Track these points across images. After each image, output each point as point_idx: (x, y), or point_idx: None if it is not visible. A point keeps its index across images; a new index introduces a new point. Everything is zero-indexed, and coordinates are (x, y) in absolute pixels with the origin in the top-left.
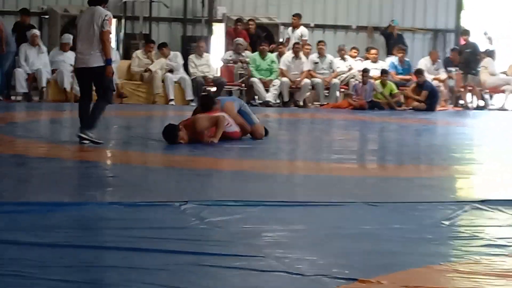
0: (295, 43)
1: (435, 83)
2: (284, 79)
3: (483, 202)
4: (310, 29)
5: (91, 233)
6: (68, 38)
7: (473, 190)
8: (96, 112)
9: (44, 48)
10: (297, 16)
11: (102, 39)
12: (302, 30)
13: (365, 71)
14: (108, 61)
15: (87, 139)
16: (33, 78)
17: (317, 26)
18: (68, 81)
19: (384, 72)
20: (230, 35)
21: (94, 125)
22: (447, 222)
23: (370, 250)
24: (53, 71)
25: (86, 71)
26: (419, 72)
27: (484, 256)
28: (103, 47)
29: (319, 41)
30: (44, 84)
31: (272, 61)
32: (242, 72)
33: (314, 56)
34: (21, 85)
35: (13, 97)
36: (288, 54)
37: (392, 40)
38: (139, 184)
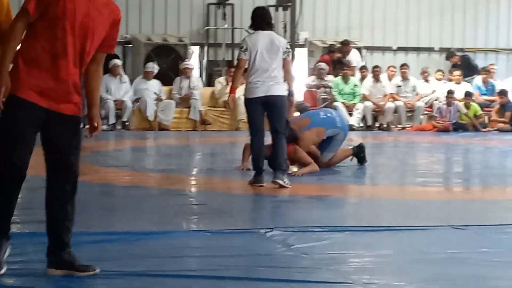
0: (374, 67)
1: None
2: (367, 103)
3: None
4: (392, 52)
5: (178, 262)
6: (152, 66)
7: None
8: (285, 153)
9: (126, 78)
10: (343, 42)
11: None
12: (351, 55)
13: (450, 93)
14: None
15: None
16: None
17: (400, 48)
18: (152, 110)
19: (468, 94)
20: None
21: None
22: None
23: (458, 275)
24: (136, 100)
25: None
26: (502, 93)
27: None
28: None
29: (402, 65)
30: (126, 118)
31: (355, 85)
32: (325, 96)
33: (397, 79)
34: (112, 117)
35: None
36: (368, 79)
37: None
38: (224, 211)
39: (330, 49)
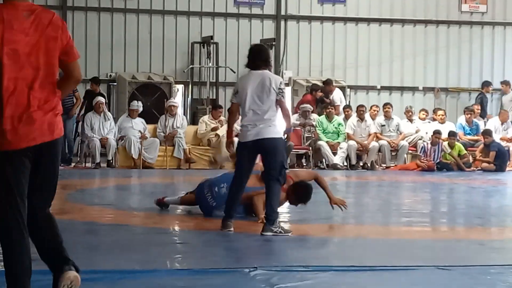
0: (359, 106)
1: (503, 143)
2: (351, 142)
3: None
4: (376, 91)
5: None
6: (136, 104)
7: None
8: (275, 200)
9: (110, 115)
10: (326, 83)
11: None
12: (335, 94)
13: (437, 132)
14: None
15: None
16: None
17: (384, 88)
18: (137, 148)
19: (452, 133)
20: (308, 102)
21: (276, 216)
22: None
23: None
24: (121, 138)
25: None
26: (486, 133)
27: None
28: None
29: (385, 104)
30: (111, 157)
31: (339, 124)
32: (309, 135)
33: (380, 119)
34: (98, 156)
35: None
36: (353, 118)
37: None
38: (208, 250)
39: (312, 88)
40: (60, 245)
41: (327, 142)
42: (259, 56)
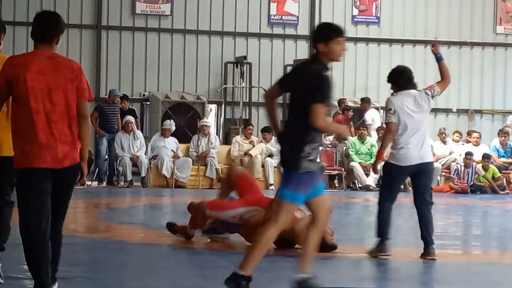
0: None
1: None
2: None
3: None
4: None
5: None
6: (169, 124)
7: None
8: (432, 223)
9: (140, 134)
10: (363, 100)
11: None
12: (367, 113)
13: (469, 154)
14: None
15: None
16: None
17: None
18: (169, 167)
19: (486, 155)
20: (339, 123)
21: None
22: None
23: None
24: (154, 157)
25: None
26: None
27: None
28: None
29: None
30: (144, 173)
31: (372, 145)
32: (341, 159)
33: None
34: (129, 173)
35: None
36: None
37: None
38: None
39: (344, 108)
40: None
41: (359, 163)
42: (411, 76)
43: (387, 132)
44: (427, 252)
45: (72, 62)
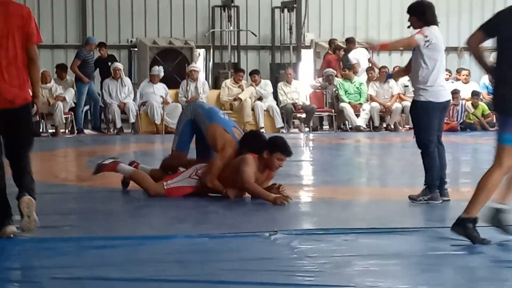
0: (381, 67)
1: None
2: (374, 103)
3: None
4: (399, 51)
5: (182, 267)
6: (158, 70)
7: None
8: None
9: (128, 81)
10: (348, 41)
11: None
12: (351, 54)
13: (454, 92)
14: None
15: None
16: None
17: (407, 48)
18: (159, 113)
19: (475, 93)
20: (329, 63)
21: None
22: None
23: (467, 278)
24: (143, 103)
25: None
26: None
27: None
28: None
29: None
30: (133, 119)
31: (360, 83)
32: (331, 101)
33: (404, 79)
34: (118, 120)
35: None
36: (375, 82)
37: None
38: (227, 216)
39: (335, 48)
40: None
41: (349, 103)
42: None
43: (406, 42)
44: (443, 193)
45: (22, 8)
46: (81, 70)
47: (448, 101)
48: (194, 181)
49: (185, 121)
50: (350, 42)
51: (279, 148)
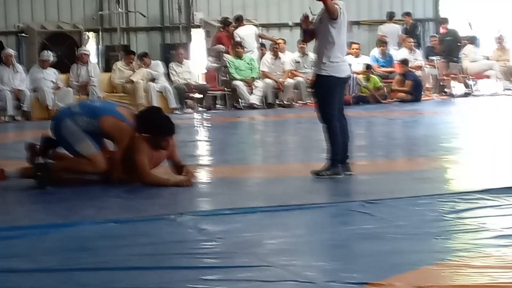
0: (272, 43)
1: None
2: (267, 80)
3: (485, 191)
4: (289, 28)
5: (89, 254)
6: (47, 55)
7: (472, 180)
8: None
9: (20, 67)
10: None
11: None
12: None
13: None
14: None
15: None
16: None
17: (297, 24)
18: (50, 98)
19: (367, 66)
20: (219, 40)
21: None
22: (451, 215)
23: (376, 250)
24: (34, 89)
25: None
26: (403, 62)
27: (494, 248)
28: None
29: (299, 40)
30: (28, 107)
31: (251, 59)
32: (225, 78)
33: (295, 55)
34: (11, 108)
35: None
36: (267, 55)
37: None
38: (130, 198)
39: (224, 23)
40: None
41: (242, 80)
42: None
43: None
44: (346, 167)
45: None
46: None
47: (349, 76)
48: None
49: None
50: (238, 20)
51: (159, 131)
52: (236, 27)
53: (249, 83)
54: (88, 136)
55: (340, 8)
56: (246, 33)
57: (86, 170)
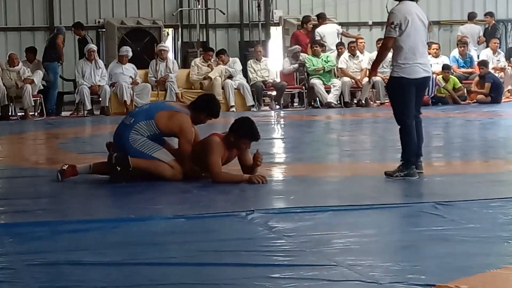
0: (350, 42)
1: (495, 73)
2: (345, 79)
3: None
4: (368, 27)
5: (157, 249)
6: (126, 50)
7: None
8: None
9: (101, 63)
10: (318, 16)
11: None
12: (317, 30)
13: None
14: None
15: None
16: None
17: (376, 23)
18: (128, 94)
19: (446, 66)
20: (297, 38)
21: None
22: None
23: (445, 252)
24: (112, 84)
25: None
26: (482, 64)
27: None
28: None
29: (378, 39)
30: (107, 103)
31: (327, 56)
32: (302, 76)
33: (373, 55)
34: (88, 102)
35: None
36: (345, 54)
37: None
38: (203, 195)
39: (303, 21)
40: None
41: (318, 77)
42: None
43: (384, 47)
44: (417, 166)
45: None
46: (51, 51)
47: (425, 77)
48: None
49: (146, 142)
50: (320, 18)
51: (246, 134)
52: (316, 25)
53: (320, 69)
54: (157, 144)
55: (392, 23)
56: (328, 32)
57: (165, 175)
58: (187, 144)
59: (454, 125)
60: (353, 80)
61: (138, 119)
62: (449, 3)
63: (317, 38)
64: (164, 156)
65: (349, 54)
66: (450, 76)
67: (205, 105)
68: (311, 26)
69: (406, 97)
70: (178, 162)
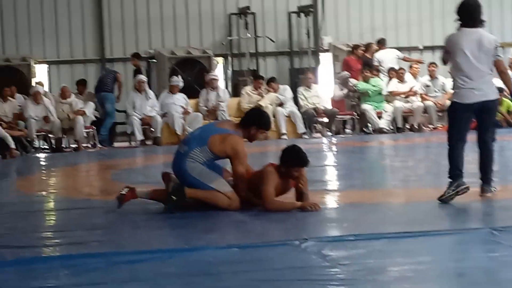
0: (400, 68)
1: None
2: (397, 104)
3: None
4: (419, 51)
5: (212, 279)
6: (177, 80)
7: None
8: (492, 159)
9: (151, 93)
10: (378, 42)
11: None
12: (375, 55)
13: None
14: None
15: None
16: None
17: (426, 47)
18: (180, 123)
19: (499, 89)
20: (347, 64)
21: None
22: None
23: (505, 279)
24: (163, 114)
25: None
26: None
27: None
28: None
29: (431, 63)
30: (158, 133)
31: (375, 80)
32: (354, 103)
33: (425, 79)
34: (139, 133)
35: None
36: (393, 80)
37: None
38: (255, 224)
39: (353, 48)
40: None
41: (369, 103)
42: (471, 13)
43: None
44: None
45: None
46: (107, 82)
47: (480, 102)
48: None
49: (204, 171)
50: (380, 43)
51: (294, 162)
52: (375, 50)
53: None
54: (215, 173)
55: (454, 43)
56: (387, 57)
57: (222, 204)
58: (240, 166)
59: (509, 149)
60: (405, 105)
61: (192, 146)
62: (500, 26)
63: (375, 63)
64: (222, 186)
65: (398, 80)
66: (504, 99)
67: (253, 118)
68: (362, 52)
69: (455, 121)
70: (235, 192)
